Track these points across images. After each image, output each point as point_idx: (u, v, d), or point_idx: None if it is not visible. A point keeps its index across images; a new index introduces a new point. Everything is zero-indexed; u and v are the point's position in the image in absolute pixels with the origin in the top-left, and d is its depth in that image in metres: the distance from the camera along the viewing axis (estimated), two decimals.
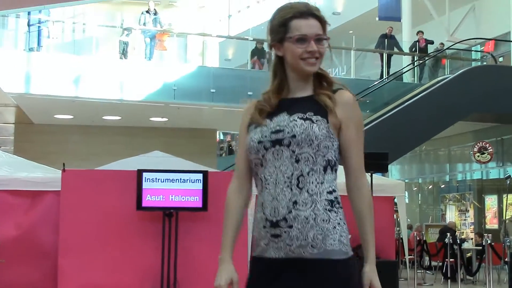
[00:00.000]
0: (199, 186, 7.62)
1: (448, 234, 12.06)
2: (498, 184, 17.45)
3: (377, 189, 8.79)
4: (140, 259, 7.66)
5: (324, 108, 2.32)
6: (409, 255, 11.81)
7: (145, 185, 7.54)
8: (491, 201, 18.02)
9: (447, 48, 17.56)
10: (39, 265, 7.76)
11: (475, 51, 19.03)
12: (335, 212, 2.26)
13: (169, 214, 7.64)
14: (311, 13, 2.36)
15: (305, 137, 2.26)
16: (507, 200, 12.20)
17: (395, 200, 9.80)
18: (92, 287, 7.54)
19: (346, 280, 2.23)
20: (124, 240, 7.68)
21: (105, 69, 14.11)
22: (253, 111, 2.44)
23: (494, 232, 13.89)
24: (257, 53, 16.44)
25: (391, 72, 16.83)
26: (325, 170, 2.29)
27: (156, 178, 7.59)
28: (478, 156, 15.87)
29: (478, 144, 15.96)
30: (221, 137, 30.33)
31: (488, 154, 15.81)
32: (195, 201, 7.62)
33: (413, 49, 17.54)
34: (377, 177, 9.32)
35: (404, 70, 17.13)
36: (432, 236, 15.89)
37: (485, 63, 17.98)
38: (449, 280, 11.87)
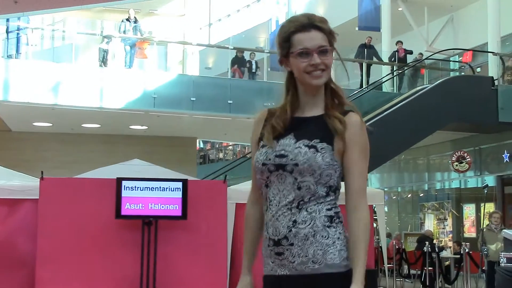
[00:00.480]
0: (179, 194, 7.60)
1: (427, 242, 12.14)
2: (476, 193, 17.61)
3: None
4: (119, 267, 7.61)
5: (332, 132, 2.33)
6: (388, 264, 11.85)
7: (124, 193, 7.50)
8: (469, 210, 18.18)
9: (426, 58, 17.73)
10: (16, 274, 7.66)
11: (453, 61, 19.22)
12: (334, 227, 2.31)
13: (149, 222, 7.61)
14: (313, 25, 2.35)
15: (307, 167, 2.29)
16: (484, 209, 12.30)
17: (374, 208, 9.83)
18: None
19: None
20: (103, 248, 7.63)
21: (84, 77, 14.04)
22: (267, 125, 2.43)
23: (472, 241, 13.99)
24: (238, 61, 16.46)
25: (370, 82, 16.94)
26: (326, 195, 2.35)
27: (135, 187, 7.56)
28: (457, 165, 16.00)
29: (456, 154, 16.10)
30: (201, 145, 30.28)
31: (466, 163, 15.95)
32: (175, 209, 7.59)
33: (393, 59, 17.68)
34: None
35: (384, 79, 17.25)
36: (411, 245, 15.98)
37: (463, 73, 18.18)
38: None
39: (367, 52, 17.36)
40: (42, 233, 7.52)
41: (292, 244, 2.28)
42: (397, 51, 17.59)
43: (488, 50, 16.42)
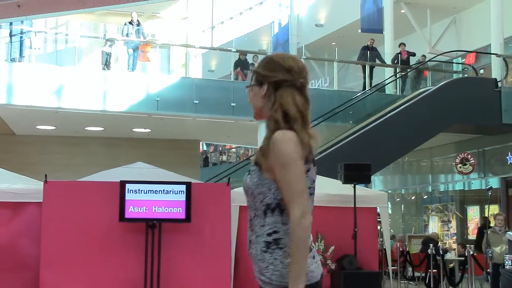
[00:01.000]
0: (182, 197, 7.60)
1: (431, 245, 12.11)
2: (480, 194, 17.58)
3: (360, 200, 8.82)
4: (123, 270, 7.61)
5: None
6: (392, 266, 11.83)
7: (128, 196, 7.50)
8: (473, 212, 18.13)
9: (429, 60, 17.71)
10: (20, 277, 7.68)
11: (456, 63, 19.20)
12: (269, 253, 2.46)
13: (152, 225, 7.61)
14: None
15: (245, 189, 2.55)
16: (488, 210, 12.27)
17: (378, 211, 9.82)
18: None
19: None
20: (106, 251, 7.63)
21: (87, 80, 14.05)
22: None
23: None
24: (240, 64, 16.47)
25: (373, 84, 16.93)
26: (265, 213, 2.49)
27: (139, 190, 7.56)
28: (460, 167, 15.98)
29: (460, 155, 16.07)
30: (205, 148, 30.30)
31: (470, 165, 15.93)
32: (178, 212, 7.60)
33: (395, 61, 17.66)
34: (360, 188, 9.35)
35: (387, 81, 17.24)
36: (415, 247, 15.94)
37: (466, 75, 18.15)
38: None
39: (370, 54, 17.35)
40: (46, 236, 7.53)
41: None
42: (400, 53, 17.57)
43: (491, 52, 16.39)
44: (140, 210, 7.54)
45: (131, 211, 7.51)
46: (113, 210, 7.50)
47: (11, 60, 14.06)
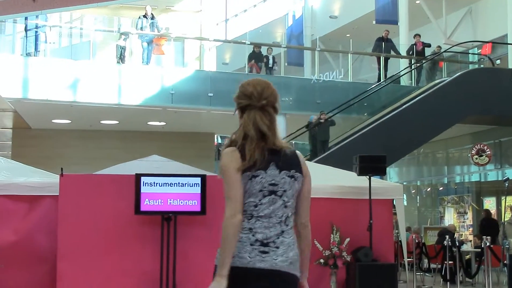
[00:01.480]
0: (198, 190, 7.61)
1: (447, 236, 12.05)
2: (497, 186, 17.46)
3: (375, 192, 8.78)
4: (138, 263, 7.64)
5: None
6: (408, 258, 11.79)
7: (143, 189, 7.53)
8: (489, 203, 18.03)
9: (444, 51, 17.59)
10: (37, 270, 7.74)
11: (472, 53, 19.05)
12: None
13: (168, 218, 7.63)
14: None
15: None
16: (505, 202, 12.19)
17: (394, 202, 9.79)
18: None
19: None
20: (122, 244, 7.67)
21: (102, 74, 14.11)
22: None
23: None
24: (255, 56, 16.45)
25: (388, 75, 16.84)
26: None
27: (154, 182, 7.58)
28: (476, 158, 15.88)
29: (476, 147, 15.97)
30: (219, 141, 30.31)
31: (486, 156, 15.82)
32: (194, 205, 7.61)
33: (410, 52, 17.55)
34: (375, 180, 9.31)
35: (402, 73, 17.15)
36: (431, 239, 15.88)
37: (482, 65, 18.01)
38: (448, 283, 11.87)
39: (384, 46, 17.26)
40: (62, 229, 7.58)
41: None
42: (415, 44, 17.46)
43: (508, 42, 16.24)
44: (156, 203, 7.56)
45: (146, 204, 7.54)
46: (129, 203, 7.52)
47: (26, 54, 14.15)
